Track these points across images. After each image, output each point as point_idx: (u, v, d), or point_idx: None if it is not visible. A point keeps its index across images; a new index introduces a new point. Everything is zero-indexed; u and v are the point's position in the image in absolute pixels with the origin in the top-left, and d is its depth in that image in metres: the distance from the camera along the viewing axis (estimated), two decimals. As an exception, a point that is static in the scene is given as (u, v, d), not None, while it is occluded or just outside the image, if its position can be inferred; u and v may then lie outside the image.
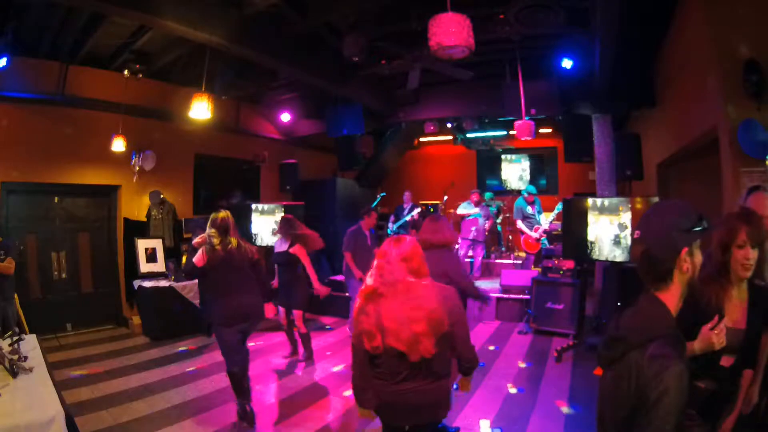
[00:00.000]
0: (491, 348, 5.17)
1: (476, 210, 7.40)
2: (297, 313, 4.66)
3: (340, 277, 7.45)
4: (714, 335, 1.51)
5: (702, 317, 1.58)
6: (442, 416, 2.05)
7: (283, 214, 5.02)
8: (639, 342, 1.12)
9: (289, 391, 4.05)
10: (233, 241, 3.33)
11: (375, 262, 2.01)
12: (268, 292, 3.63)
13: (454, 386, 2.96)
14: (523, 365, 4.62)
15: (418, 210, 7.85)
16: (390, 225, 8.04)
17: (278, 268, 4.76)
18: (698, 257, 1.19)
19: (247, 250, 3.41)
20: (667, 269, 1.17)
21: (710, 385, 1.72)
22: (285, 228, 4.65)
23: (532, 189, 7.01)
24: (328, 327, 6.35)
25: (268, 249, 6.71)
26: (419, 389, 1.87)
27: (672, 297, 1.17)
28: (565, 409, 3.58)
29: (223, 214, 3.37)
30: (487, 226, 7.49)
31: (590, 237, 4.87)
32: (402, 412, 1.93)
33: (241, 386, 3.31)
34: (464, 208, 7.56)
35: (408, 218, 7.90)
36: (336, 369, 4.62)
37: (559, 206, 6.17)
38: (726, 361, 1.74)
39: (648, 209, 1.31)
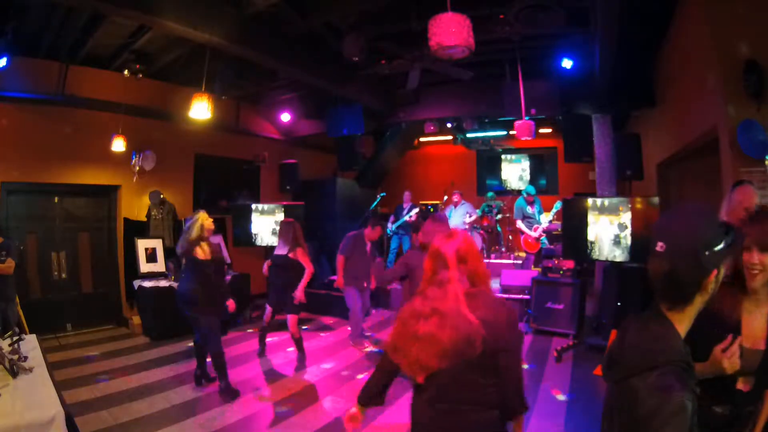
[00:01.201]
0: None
1: (454, 211, 7.54)
2: (292, 318, 4.64)
3: (340, 277, 7.47)
4: (726, 359, 1.31)
5: (719, 330, 1.40)
6: None
7: (284, 217, 4.99)
8: (639, 368, 1.05)
9: (289, 392, 4.05)
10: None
11: (429, 256, 1.68)
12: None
13: None
14: (525, 366, 4.62)
15: (416, 210, 7.86)
16: (389, 225, 8.05)
17: (274, 268, 4.77)
18: (722, 274, 1.09)
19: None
20: (691, 292, 1.08)
21: (727, 411, 1.52)
22: (287, 232, 4.69)
23: (532, 189, 7.02)
24: (327, 327, 6.33)
25: (268, 249, 6.72)
26: (446, 415, 1.54)
27: (686, 318, 1.10)
28: (562, 397, 3.59)
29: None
30: (468, 220, 7.56)
31: (590, 237, 4.88)
32: None
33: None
34: (448, 213, 7.69)
35: (407, 218, 7.90)
36: (335, 370, 4.62)
37: (557, 205, 6.17)
38: (743, 385, 1.50)
39: (670, 216, 1.19)
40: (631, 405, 1.03)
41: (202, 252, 3.86)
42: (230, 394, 3.85)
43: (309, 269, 4.61)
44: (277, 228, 4.90)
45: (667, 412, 0.96)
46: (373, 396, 1.78)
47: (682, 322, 1.10)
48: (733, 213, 2.05)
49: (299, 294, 4.59)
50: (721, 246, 1.07)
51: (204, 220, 3.92)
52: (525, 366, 4.69)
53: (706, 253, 1.05)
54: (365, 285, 5.34)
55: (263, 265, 4.96)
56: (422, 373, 1.52)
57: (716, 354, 1.34)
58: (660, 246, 1.09)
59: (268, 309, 4.82)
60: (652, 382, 1.01)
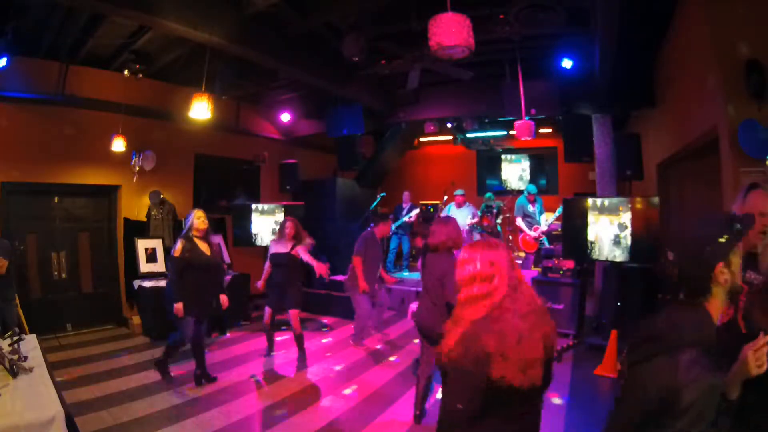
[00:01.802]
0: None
1: (456, 212, 7.46)
2: (293, 313, 4.65)
3: (340, 277, 7.45)
4: (751, 355, 1.21)
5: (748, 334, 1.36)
6: None
7: (286, 216, 4.98)
8: (676, 343, 1.09)
9: (289, 392, 4.05)
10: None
11: (488, 266, 1.56)
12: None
13: None
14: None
15: (416, 211, 7.85)
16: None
17: (274, 268, 4.75)
18: (736, 263, 1.16)
19: None
20: (704, 286, 1.15)
21: None
22: (298, 230, 4.76)
23: (533, 189, 7.03)
24: (327, 327, 6.33)
25: (268, 249, 6.71)
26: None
27: (712, 308, 1.16)
28: (559, 400, 3.59)
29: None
30: (468, 221, 7.47)
31: (590, 237, 4.87)
32: None
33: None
34: (446, 212, 7.66)
35: (406, 219, 7.89)
36: (336, 369, 4.62)
37: (560, 209, 6.17)
38: None
39: (681, 227, 1.30)
40: (664, 379, 1.06)
41: (181, 248, 3.85)
42: (160, 367, 4.02)
43: (315, 263, 4.58)
44: (277, 228, 4.88)
45: (702, 386, 1.01)
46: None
47: (713, 311, 1.16)
48: None
49: (320, 267, 4.50)
50: (724, 239, 1.15)
51: (195, 217, 3.94)
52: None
53: (707, 249, 1.14)
54: (377, 285, 5.30)
55: (265, 267, 4.93)
56: (529, 377, 1.43)
57: (744, 353, 1.29)
58: (670, 255, 1.24)
59: (268, 310, 4.81)
60: (691, 358, 1.05)
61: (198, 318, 3.96)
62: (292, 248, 4.68)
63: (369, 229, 5.40)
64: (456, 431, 1.52)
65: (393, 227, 7.98)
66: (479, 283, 1.54)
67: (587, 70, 5.41)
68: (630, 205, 4.67)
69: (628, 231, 4.60)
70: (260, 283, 4.98)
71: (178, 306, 3.78)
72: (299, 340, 4.74)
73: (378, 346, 5.31)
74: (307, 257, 4.66)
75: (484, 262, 1.56)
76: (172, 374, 4.22)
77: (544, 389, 1.55)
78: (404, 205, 8.19)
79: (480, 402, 1.45)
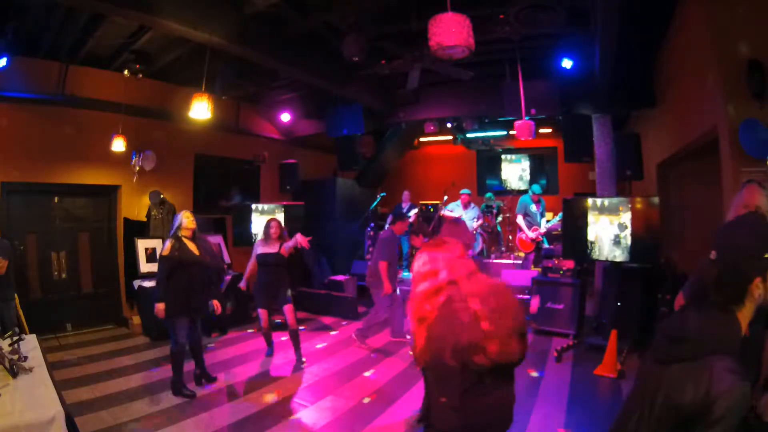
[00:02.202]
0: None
1: (463, 212, 7.43)
2: (288, 308, 4.66)
3: (340, 277, 7.47)
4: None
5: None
6: None
7: (274, 218, 4.94)
8: (709, 348, 1.08)
9: (289, 392, 4.05)
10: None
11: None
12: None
13: None
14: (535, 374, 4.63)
15: (415, 211, 7.84)
16: (386, 225, 8.02)
17: (262, 268, 4.72)
18: None
19: None
20: (739, 295, 1.14)
21: None
22: (281, 230, 4.78)
23: (538, 189, 7.04)
24: (327, 327, 6.33)
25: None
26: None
27: (743, 318, 1.15)
28: (560, 400, 3.59)
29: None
30: (475, 224, 7.46)
31: (590, 237, 4.87)
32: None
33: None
34: (450, 210, 7.63)
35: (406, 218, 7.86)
36: (336, 369, 4.62)
37: (560, 216, 6.19)
38: None
39: (726, 227, 1.29)
40: (698, 386, 1.04)
41: (170, 247, 3.86)
42: (176, 390, 3.88)
43: (296, 238, 4.65)
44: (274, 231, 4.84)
45: (737, 396, 1.00)
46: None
47: (741, 320, 1.16)
48: (737, 212, 2.05)
49: (302, 240, 4.61)
50: (763, 253, 1.14)
51: (184, 217, 3.99)
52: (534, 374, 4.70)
53: (749, 261, 1.14)
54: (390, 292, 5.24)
55: (248, 267, 4.89)
56: (504, 352, 1.52)
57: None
58: (712, 254, 1.22)
59: (263, 312, 4.75)
60: (727, 366, 1.04)
61: (192, 318, 3.94)
62: (280, 247, 4.68)
63: (387, 228, 5.37)
64: (446, 422, 1.60)
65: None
66: (428, 280, 1.64)
67: (587, 70, 5.41)
68: (630, 205, 4.67)
69: (628, 231, 4.60)
70: (242, 284, 5.02)
71: (160, 306, 3.74)
72: (295, 336, 4.72)
73: (377, 347, 5.31)
74: (290, 243, 4.67)
75: (430, 260, 1.68)
76: (189, 387, 3.96)
77: (520, 362, 1.61)
78: (404, 205, 8.18)
79: (460, 392, 1.54)
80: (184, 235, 3.96)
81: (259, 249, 4.78)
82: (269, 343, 5.02)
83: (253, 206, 7.14)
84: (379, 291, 5.09)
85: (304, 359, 4.75)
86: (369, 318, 5.34)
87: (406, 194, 8.28)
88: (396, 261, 5.24)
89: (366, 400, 3.83)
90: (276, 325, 5.55)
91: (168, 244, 3.87)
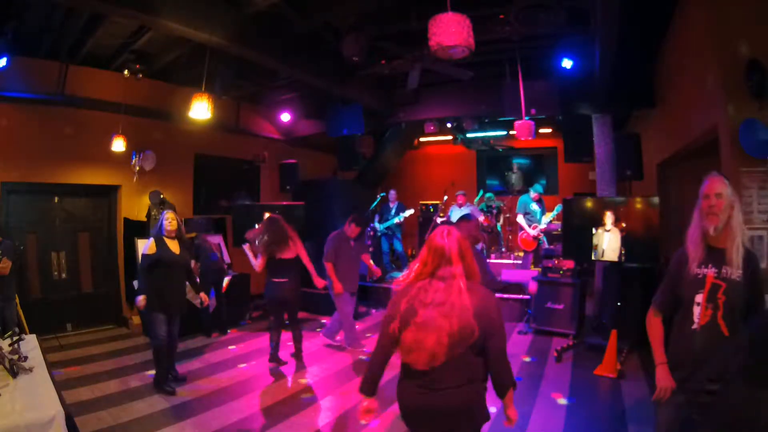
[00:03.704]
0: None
1: (461, 212, 7.46)
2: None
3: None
4: None
5: None
6: (479, 423, 1.81)
7: (269, 215, 4.84)
8: None
9: (289, 391, 4.06)
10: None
11: (427, 251, 1.85)
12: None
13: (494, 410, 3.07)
14: (527, 359, 4.65)
15: (411, 212, 7.85)
16: (377, 225, 8.02)
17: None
18: None
19: None
20: None
21: None
22: (282, 230, 4.66)
23: (539, 188, 7.05)
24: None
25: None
26: (449, 394, 1.72)
27: None
28: (563, 401, 3.59)
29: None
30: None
31: (595, 240, 4.85)
32: (428, 418, 1.77)
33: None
34: (450, 215, 7.68)
35: (397, 220, 7.84)
36: (335, 369, 4.62)
37: (558, 207, 6.19)
38: None
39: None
40: None
41: (152, 245, 3.94)
42: (159, 385, 3.95)
43: (306, 259, 4.76)
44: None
45: None
46: (376, 380, 1.94)
47: None
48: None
49: (319, 281, 4.77)
50: None
51: (166, 219, 4.04)
52: (527, 359, 4.72)
53: None
54: (355, 288, 5.20)
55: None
56: (432, 359, 1.68)
57: None
58: None
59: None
60: None
61: (168, 316, 3.99)
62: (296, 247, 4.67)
63: (340, 228, 5.23)
64: (367, 369, 1.96)
65: (382, 227, 7.95)
66: (421, 262, 1.86)
67: (587, 70, 5.40)
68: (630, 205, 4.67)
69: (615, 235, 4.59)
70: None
71: (141, 298, 3.89)
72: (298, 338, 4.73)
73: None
74: (308, 259, 4.75)
75: (427, 246, 1.87)
76: (174, 387, 4.01)
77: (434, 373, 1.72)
78: (391, 204, 8.16)
79: (383, 347, 1.87)
80: (166, 236, 4.03)
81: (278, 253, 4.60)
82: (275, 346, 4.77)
83: (254, 206, 7.14)
84: (333, 293, 5.07)
85: (296, 361, 4.73)
86: (343, 327, 5.22)
87: (392, 193, 8.26)
88: (349, 261, 5.10)
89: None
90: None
91: (150, 242, 3.98)
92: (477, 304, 1.73)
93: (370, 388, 1.93)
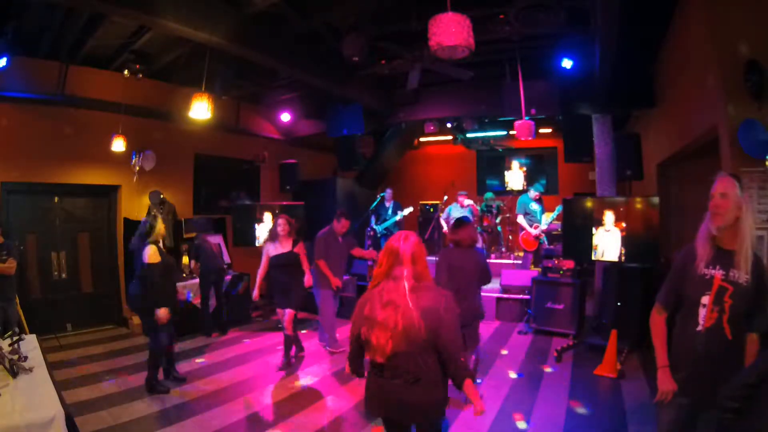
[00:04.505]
0: (492, 348, 5.17)
1: (461, 212, 7.45)
2: (290, 313, 4.58)
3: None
4: None
5: None
6: (431, 419, 2.00)
7: (281, 215, 4.89)
8: None
9: (289, 391, 4.06)
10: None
11: (383, 253, 2.01)
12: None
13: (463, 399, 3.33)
14: (525, 363, 4.64)
15: (410, 210, 7.85)
16: (375, 226, 8.01)
17: (277, 269, 4.63)
18: None
19: None
20: None
21: None
22: (293, 229, 4.70)
23: (539, 188, 7.05)
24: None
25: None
26: (399, 388, 1.88)
27: None
28: (562, 400, 3.59)
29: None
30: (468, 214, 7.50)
31: (595, 240, 4.86)
32: (386, 407, 1.97)
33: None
34: (449, 211, 7.69)
35: (397, 218, 7.85)
36: (335, 369, 4.62)
37: (559, 208, 6.19)
38: None
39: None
40: None
41: (157, 253, 3.93)
42: (153, 386, 3.95)
43: (306, 261, 4.76)
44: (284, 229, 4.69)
45: None
46: (360, 364, 2.12)
47: None
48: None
49: (309, 280, 4.77)
50: None
51: (159, 224, 4.04)
52: (518, 376, 4.70)
53: None
54: (340, 285, 5.17)
55: (259, 273, 4.73)
56: (382, 354, 1.85)
57: None
58: None
59: (289, 312, 4.58)
60: None
61: (168, 320, 4.00)
62: (294, 245, 4.64)
63: (328, 226, 5.22)
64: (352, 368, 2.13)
65: (381, 228, 7.94)
66: (378, 262, 2.02)
67: (587, 70, 5.41)
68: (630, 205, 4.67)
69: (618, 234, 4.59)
70: (256, 293, 4.89)
71: (165, 311, 3.84)
72: (289, 341, 4.66)
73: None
74: (306, 261, 4.74)
75: (384, 247, 2.01)
76: (168, 386, 4.06)
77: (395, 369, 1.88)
78: (387, 204, 8.15)
79: (355, 350, 2.05)
80: (159, 241, 4.05)
81: (271, 250, 4.65)
82: (288, 353, 4.67)
83: (254, 206, 7.13)
84: (319, 292, 5.08)
85: (292, 363, 4.71)
86: (324, 325, 5.20)
87: (389, 192, 8.26)
88: (339, 258, 5.12)
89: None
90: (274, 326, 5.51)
91: (151, 250, 3.92)
92: (424, 304, 1.85)
93: (357, 369, 2.14)
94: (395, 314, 1.84)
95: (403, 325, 1.81)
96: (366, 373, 2.07)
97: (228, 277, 6.44)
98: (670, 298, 2.08)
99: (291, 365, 4.66)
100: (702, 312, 1.90)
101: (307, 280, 4.78)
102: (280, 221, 4.69)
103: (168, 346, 4.12)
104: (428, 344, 1.84)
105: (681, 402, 1.95)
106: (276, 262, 4.63)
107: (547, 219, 6.81)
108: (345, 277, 5.31)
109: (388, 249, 1.98)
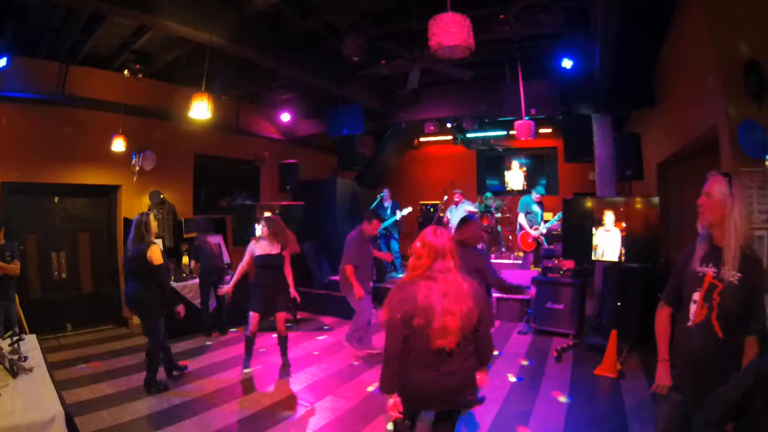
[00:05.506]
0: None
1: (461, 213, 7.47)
2: (282, 316, 4.53)
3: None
4: None
5: None
6: (466, 396, 2.16)
7: (268, 215, 4.81)
8: None
9: (289, 392, 4.06)
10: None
11: (421, 247, 2.10)
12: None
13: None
14: (525, 363, 4.64)
15: (409, 209, 7.85)
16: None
17: (264, 271, 4.50)
18: None
19: None
20: None
21: None
22: (279, 230, 4.59)
23: (542, 190, 7.08)
24: (326, 327, 6.33)
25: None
26: (458, 370, 2.01)
27: None
28: (563, 398, 3.59)
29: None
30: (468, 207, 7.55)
31: (595, 240, 4.86)
32: (432, 398, 2.05)
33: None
34: (449, 212, 7.73)
35: (397, 217, 7.85)
36: (335, 370, 4.62)
37: (559, 215, 6.21)
38: None
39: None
40: None
41: (151, 254, 3.92)
42: (152, 386, 3.96)
43: (289, 266, 4.66)
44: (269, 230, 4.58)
45: None
46: (395, 377, 2.04)
47: None
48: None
49: (295, 293, 4.67)
50: None
51: (153, 223, 4.08)
52: (525, 362, 4.70)
53: None
54: (371, 285, 5.05)
55: (237, 270, 4.65)
56: (454, 339, 1.95)
57: None
58: None
59: (254, 316, 4.43)
60: None
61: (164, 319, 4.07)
62: (282, 249, 4.57)
63: (357, 228, 5.02)
64: (385, 367, 2.04)
65: (379, 229, 7.91)
66: (416, 256, 2.11)
67: (587, 70, 5.41)
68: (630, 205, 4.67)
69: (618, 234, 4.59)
70: (228, 288, 4.65)
71: (183, 307, 4.07)
72: (284, 342, 4.63)
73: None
74: (289, 267, 4.64)
75: (421, 242, 2.11)
76: (174, 374, 4.28)
77: (453, 355, 2.01)
78: (385, 203, 8.15)
79: (399, 342, 2.00)
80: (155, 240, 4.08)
81: (256, 250, 4.54)
82: (249, 352, 4.57)
83: (254, 206, 7.13)
84: (352, 296, 4.80)
85: (290, 364, 4.66)
86: (354, 323, 4.98)
87: (386, 192, 8.27)
88: (368, 261, 4.92)
89: (366, 400, 3.83)
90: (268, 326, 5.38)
91: (157, 250, 3.94)
92: (472, 291, 2.05)
93: (392, 384, 2.05)
94: (458, 301, 1.97)
95: (466, 311, 1.98)
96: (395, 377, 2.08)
97: (228, 278, 6.43)
98: (671, 296, 2.10)
99: (290, 365, 4.66)
100: (692, 308, 1.93)
101: (357, 291, 4.68)
102: (262, 223, 4.72)
103: (164, 342, 4.16)
104: (476, 327, 2.05)
105: (675, 398, 1.98)
106: (259, 262, 4.52)
107: (545, 224, 6.84)
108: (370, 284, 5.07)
109: (428, 243, 2.09)
